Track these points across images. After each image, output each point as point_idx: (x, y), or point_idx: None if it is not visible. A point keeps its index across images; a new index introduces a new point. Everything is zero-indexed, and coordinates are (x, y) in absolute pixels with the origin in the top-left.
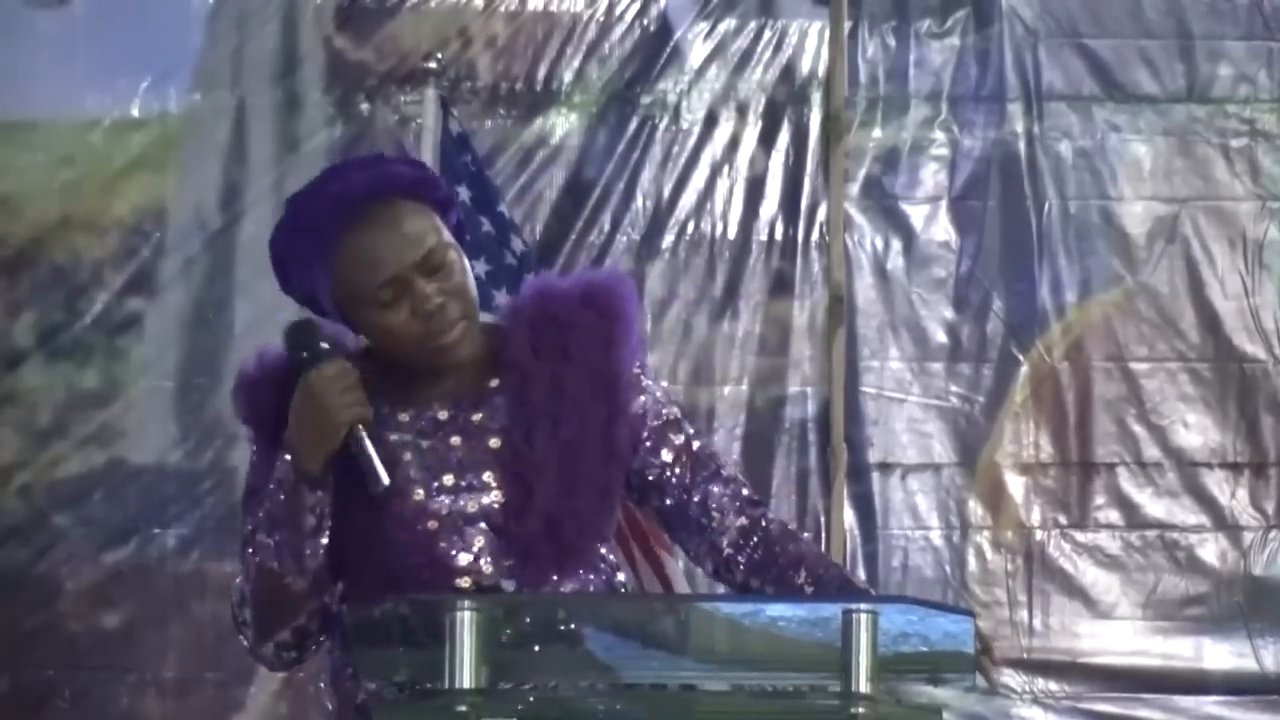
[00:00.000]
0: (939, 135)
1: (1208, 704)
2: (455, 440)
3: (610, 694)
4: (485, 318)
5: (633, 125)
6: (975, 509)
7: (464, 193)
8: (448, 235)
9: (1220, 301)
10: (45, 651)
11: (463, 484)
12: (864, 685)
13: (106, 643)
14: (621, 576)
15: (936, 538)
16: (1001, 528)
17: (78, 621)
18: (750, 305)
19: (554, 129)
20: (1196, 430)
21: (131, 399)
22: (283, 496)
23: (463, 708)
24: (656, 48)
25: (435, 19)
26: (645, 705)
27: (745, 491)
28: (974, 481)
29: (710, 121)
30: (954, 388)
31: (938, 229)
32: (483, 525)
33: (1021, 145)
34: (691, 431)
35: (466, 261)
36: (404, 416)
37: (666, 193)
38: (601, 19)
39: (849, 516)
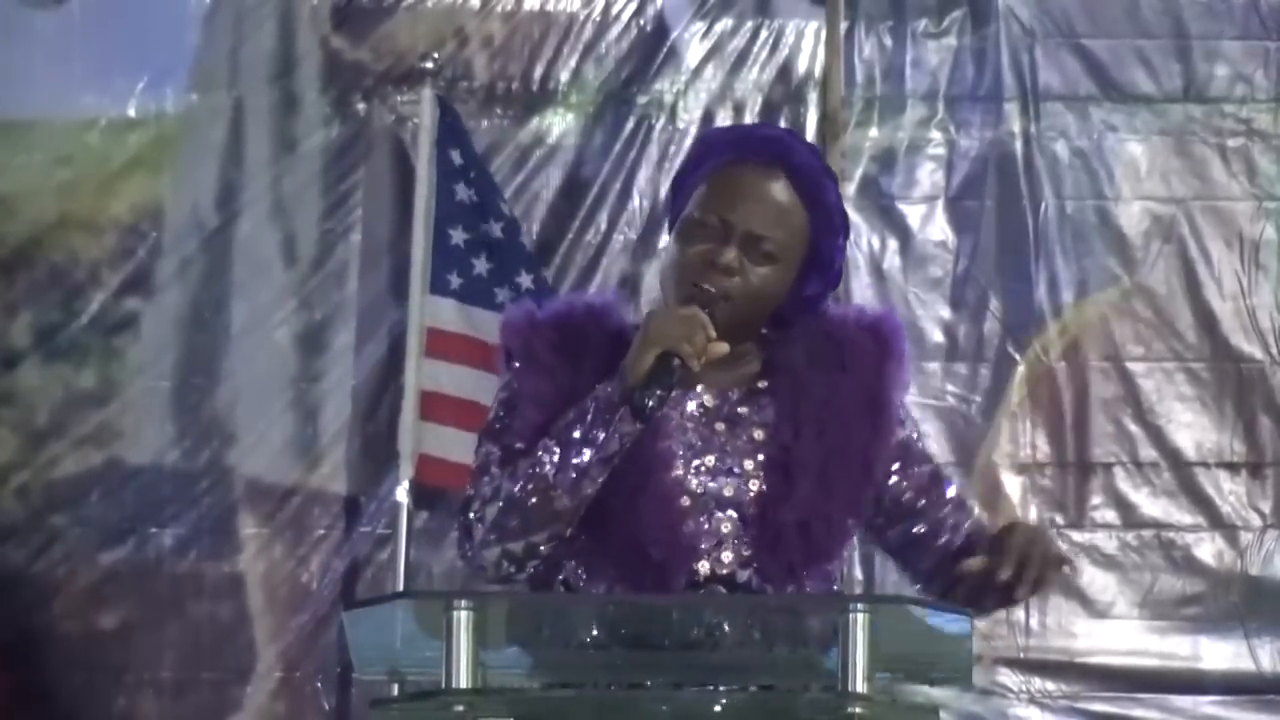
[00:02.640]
0: (935, 135)
1: (1204, 703)
2: (720, 426)
3: (607, 694)
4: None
5: (629, 125)
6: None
7: (462, 192)
8: (792, 246)
9: (1217, 301)
10: (42, 651)
11: (722, 467)
12: (860, 685)
13: (104, 642)
14: (836, 588)
15: None
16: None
17: (75, 621)
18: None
19: (550, 129)
20: (1193, 430)
21: (128, 399)
22: (597, 415)
23: (460, 707)
24: (653, 47)
25: (432, 19)
26: (642, 705)
27: (973, 511)
28: (971, 481)
29: (707, 121)
30: (951, 387)
31: (934, 229)
32: (733, 513)
33: (1018, 145)
34: (934, 459)
35: (785, 277)
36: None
37: (663, 193)
38: (598, 19)
39: None
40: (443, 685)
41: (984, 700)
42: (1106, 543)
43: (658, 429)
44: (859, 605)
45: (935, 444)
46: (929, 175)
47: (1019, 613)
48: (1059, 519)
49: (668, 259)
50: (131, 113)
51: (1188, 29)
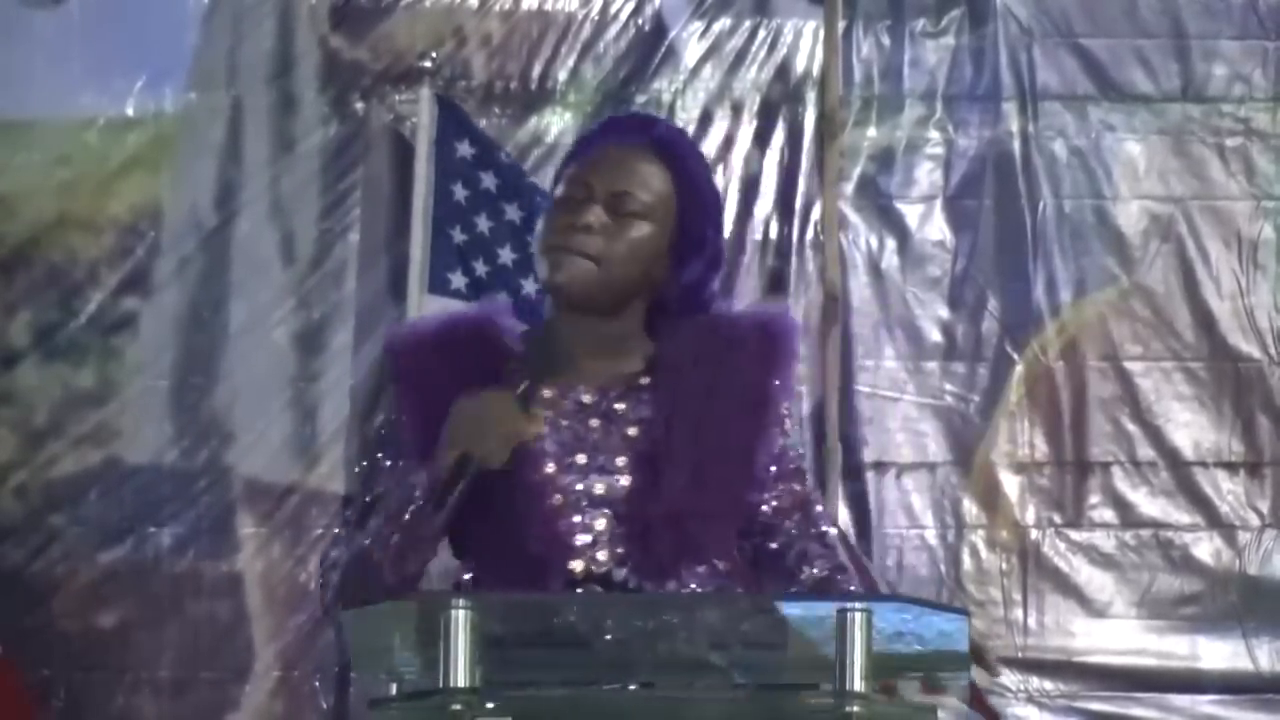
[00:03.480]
0: (934, 134)
1: (1203, 703)
2: (594, 423)
3: (605, 694)
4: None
5: None
6: (970, 508)
7: (460, 191)
8: (657, 207)
9: (1215, 301)
10: (41, 651)
11: (594, 465)
12: (858, 684)
13: (102, 642)
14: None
15: (931, 537)
16: (996, 527)
17: (73, 621)
18: (745, 304)
19: (549, 128)
20: (1191, 429)
21: (127, 398)
22: (411, 505)
23: (457, 707)
24: (651, 47)
25: (430, 18)
26: (640, 705)
27: (838, 559)
28: (969, 481)
29: (705, 121)
30: (949, 387)
31: (932, 228)
32: (606, 510)
33: (1016, 144)
34: (811, 486)
35: (653, 242)
36: (548, 393)
37: None
38: (596, 18)
39: (844, 516)
40: (440, 685)
41: None
42: (1104, 542)
43: None
44: (857, 605)
45: (933, 443)
46: (927, 175)
47: (1017, 612)
48: (1057, 518)
49: (540, 231)
50: (130, 112)
51: (1186, 28)
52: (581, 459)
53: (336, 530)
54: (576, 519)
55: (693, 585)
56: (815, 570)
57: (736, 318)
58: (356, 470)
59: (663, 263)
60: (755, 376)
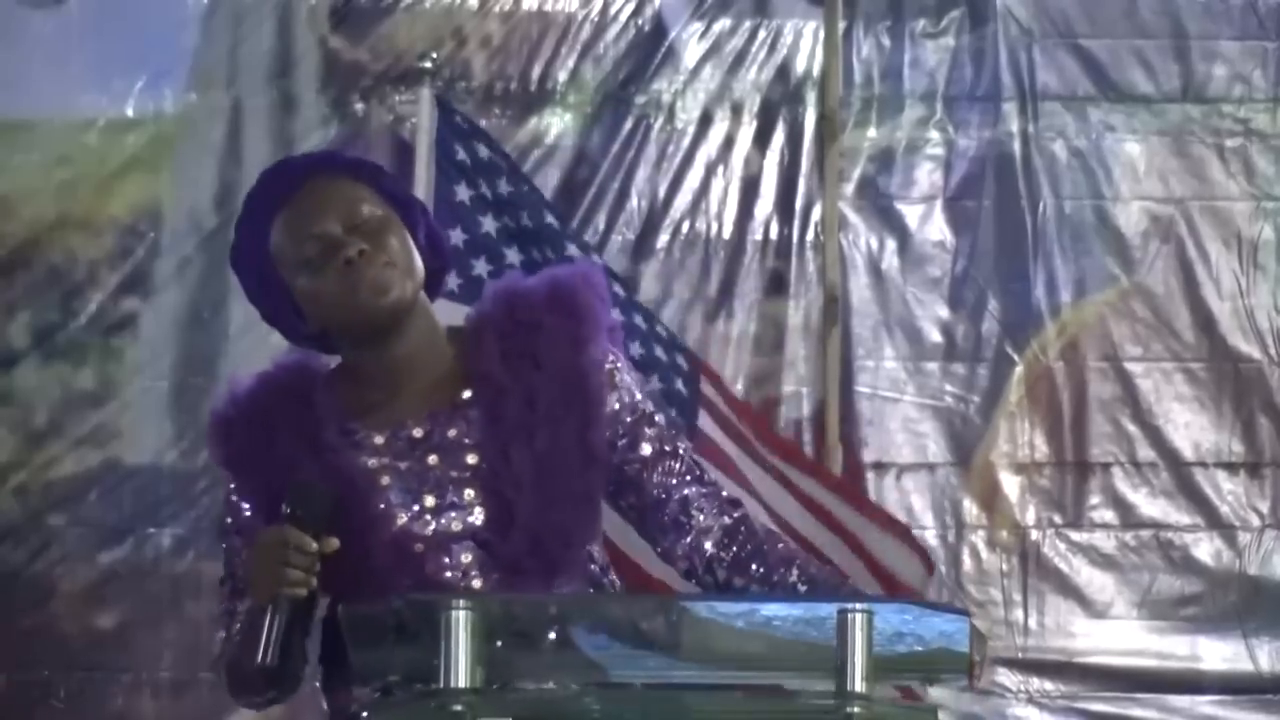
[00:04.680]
0: (934, 135)
1: (1203, 703)
2: (432, 459)
3: (605, 694)
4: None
5: (627, 125)
6: (970, 509)
7: (463, 192)
8: (387, 210)
9: (1215, 301)
10: (40, 651)
11: (444, 504)
12: (859, 685)
13: (101, 643)
14: (613, 577)
15: (931, 537)
16: (996, 527)
17: (73, 621)
18: (745, 305)
19: (549, 129)
20: (1192, 430)
21: (127, 399)
22: (253, 631)
23: (458, 707)
24: (651, 48)
25: (430, 19)
26: (639, 705)
27: (725, 493)
28: (969, 481)
29: (705, 121)
30: (949, 387)
31: (932, 229)
32: (469, 542)
33: (1016, 145)
34: (665, 426)
35: (412, 244)
36: (379, 439)
37: (661, 193)
38: (596, 19)
39: None
40: (440, 685)
41: (983, 700)
42: (1105, 542)
43: (370, 480)
44: (858, 605)
45: (933, 444)
46: (927, 175)
47: (1017, 612)
48: (1057, 519)
49: (317, 305)
50: (130, 113)
51: (1186, 29)
52: (430, 500)
53: (218, 613)
54: (442, 559)
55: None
56: (705, 516)
57: (529, 293)
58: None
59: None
60: (565, 355)
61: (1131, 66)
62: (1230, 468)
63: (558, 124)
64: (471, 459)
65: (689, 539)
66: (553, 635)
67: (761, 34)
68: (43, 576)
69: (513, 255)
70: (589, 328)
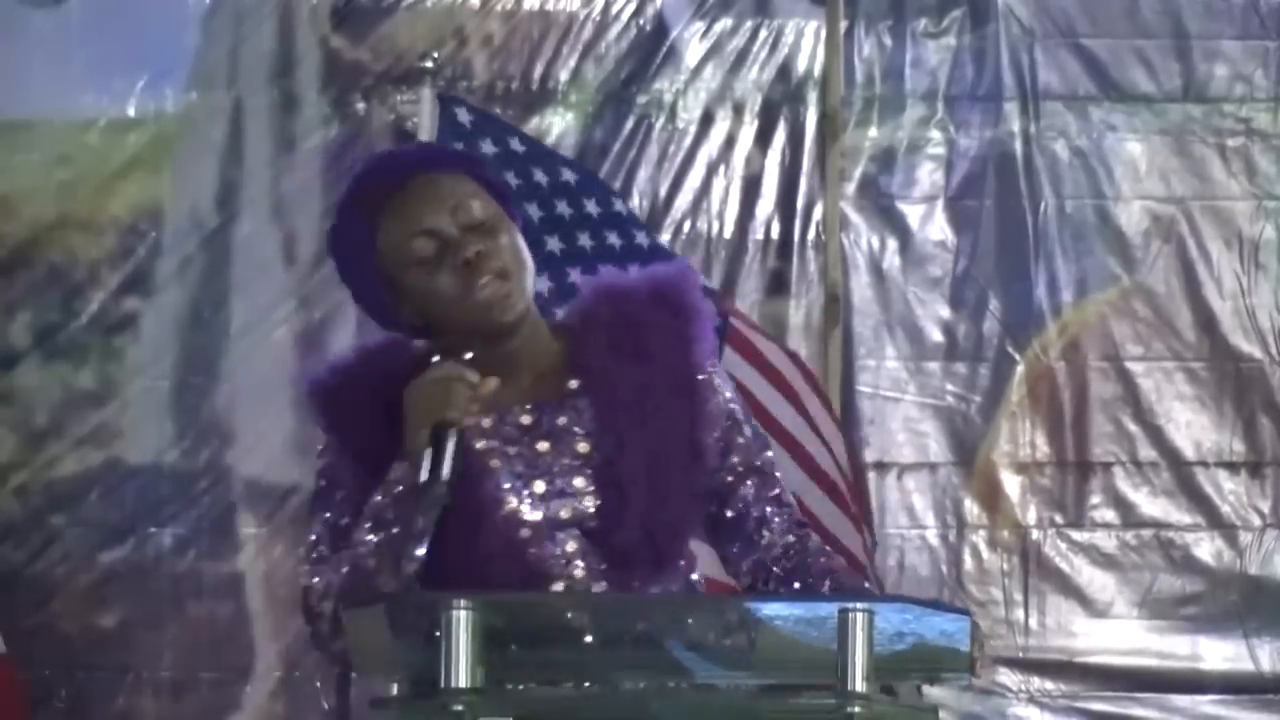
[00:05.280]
0: (935, 135)
1: (1204, 703)
2: (543, 446)
3: (605, 694)
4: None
5: (629, 125)
6: (971, 508)
7: None
8: (496, 207)
9: (1216, 301)
10: (42, 651)
11: (554, 490)
12: (860, 684)
13: (103, 642)
14: (695, 575)
15: (933, 537)
16: (998, 527)
17: (74, 621)
18: (746, 304)
19: (550, 128)
20: (1193, 430)
21: (128, 399)
22: (396, 498)
23: (458, 707)
24: (652, 47)
25: (431, 18)
26: (640, 705)
27: (796, 515)
28: (970, 481)
29: (706, 121)
30: (950, 387)
31: (934, 228)
32: (575, 530)
33: (1018, 145)
34: (752, 436)
35: (521, 240)
36: (486, 423)
37: (663, 192)
38: (597, 18)
39: None
40: (442, 685)
41: (984, 700)
42: (1106, 542)
43: (480, 462)
44: (859, 605)
45: (935, 443)
46: (928, 175)
47: (1018, 612)
48: (1058, 518)
49: (428, 303)
50: (131, 112)
51: (1187, 29)
52: (540, 487)
53: (305, 568)
54: (547, 545)
55: (661, 589)
56: (774, 535)
57: (631, 290)
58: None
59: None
60: (673, 353)
61: (1133, 66)
62: (1231, 467)
63: (559, 123)
64: (583, 447)
65: (756, 555)
66: (554, 635)
67: (763, 33)
68: (44, 576)
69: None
70: (696, 326)
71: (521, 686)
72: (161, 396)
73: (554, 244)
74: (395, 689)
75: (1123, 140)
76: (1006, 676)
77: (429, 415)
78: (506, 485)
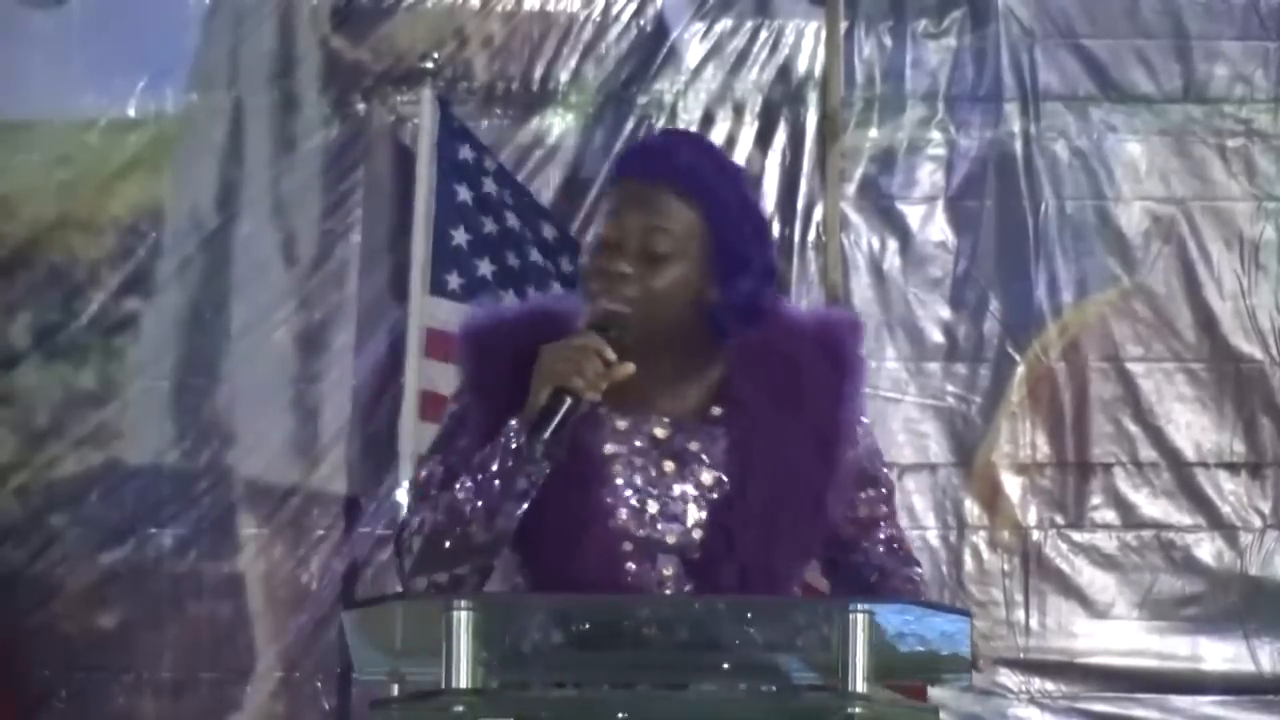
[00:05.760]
0: (935, 135)
1: (1204, 704)
2: (669, 465)
3: (606, 694)
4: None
5: (629, 125)
6: (972, 509)
7: (464, 192)
8: (683, 243)
9: (1217, 301)
10: (42, 651)
11: (666, 513)
12: (860, 685)
13: (103, 643)
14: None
15: (933, 538)
16: (998, 528)
17: (74, 622)
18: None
19: (550, 129)
20: (1193, 430)
21: (128, 399)
22: (504, 453)
23: (459, 708)
24: (653, 48)
25: (431, 19)
26: (641, 705)
27: (914, 571)
28: (970, 481)
29: (706, 121)
30: (950, 388)
31: (934, 229)
32: (675, 557)
33: (1018, 145)
34: (884, 480)
35: (686, 278)
36: (621, 424)
37: None
38: (598, 19)
39: None
40: (442, 685)
41: (984, 700)
42: (1106, 543)
43: (603, 466)
44: (859, 605)
45: (935, 444)
46: (929, 175)
47: (1019, 613)
48: (1059, 519)
49: (581, 276)
50: (131, 113)
51: (1187, 29)
52: (654, 508)
53: (409, 501)
54: (646, 564)
55: None
56: (887, 580)
57: (798, 326)
58: (423, 454)
59: (708, 288)
60: (825, 406)
61: (1133, 67)
62: (1232, 468)
63: (559, 124)
64: (707, 478)
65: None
66: (555, 636)
67: (763, 34)
68: (44, 576)
69: (511, 259)
70: (853, 383)
71: (521, 687)
72: (162, 397)
73: (485, 268)
74: (395, 690)
75: (1123, 141)
76: (1007, 677)
77: (554, 377)
78: (622, 497)
